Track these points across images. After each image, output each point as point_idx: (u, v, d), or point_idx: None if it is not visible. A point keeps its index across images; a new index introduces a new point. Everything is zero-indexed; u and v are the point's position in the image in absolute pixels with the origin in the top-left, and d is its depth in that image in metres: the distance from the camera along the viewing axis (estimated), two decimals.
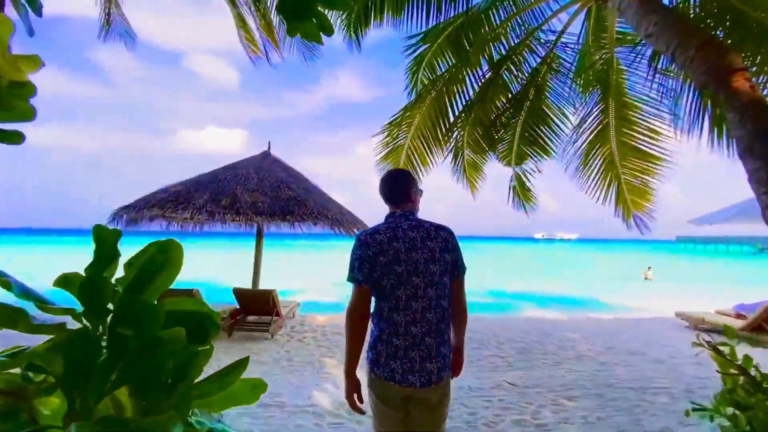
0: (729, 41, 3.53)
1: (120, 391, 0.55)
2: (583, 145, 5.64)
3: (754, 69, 3.52)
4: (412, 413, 1.67)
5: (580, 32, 5.04)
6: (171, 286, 0.63)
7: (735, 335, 1.47)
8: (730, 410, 1.37)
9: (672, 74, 4.36)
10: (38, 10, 0.60)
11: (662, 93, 4.58)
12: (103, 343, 0.55)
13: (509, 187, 7.08)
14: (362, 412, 1.71)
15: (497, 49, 5.42)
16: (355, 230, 6.44)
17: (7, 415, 0.52)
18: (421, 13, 4.87)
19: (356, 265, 1.70)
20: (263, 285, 7.18)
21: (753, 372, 1.36)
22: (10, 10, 0.57)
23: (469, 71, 5.50)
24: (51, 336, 0.54)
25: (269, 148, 7.56)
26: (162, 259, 0.60)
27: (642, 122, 5.10)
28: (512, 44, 5.32)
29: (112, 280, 0.58)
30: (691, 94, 4.15)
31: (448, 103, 5.77)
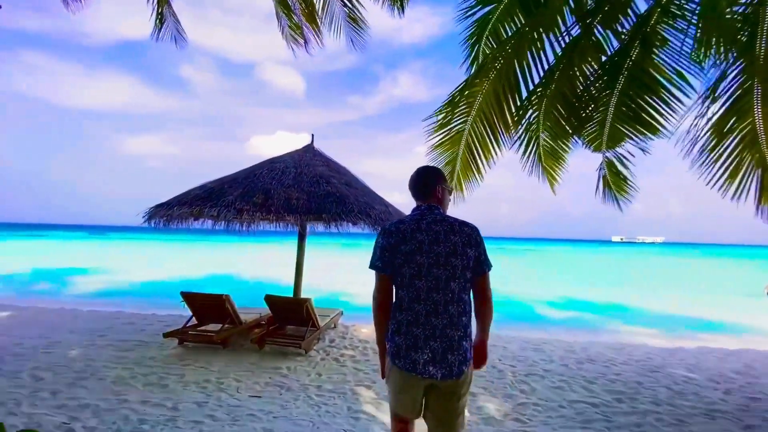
0: None
1: None
2: (711, 120, 4.14)
3: None
4: (431, 402, 1.73)
5: None
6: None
7: None
8: None
9: None
10: None
11: None
12: None
13: (598, 177, 5.72)
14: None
15: None
16: None
17: None
18: None
19: (378, 254, 1.78)
20: (306, 290, 6.58)
21: None
22: None
23: (547, 31, 4.31)
24: None
25: (312, 141, 6.95)
26: None
27: None
28: None
29: None
30: None
31: (519, 76, 4.62)
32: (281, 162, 6.02)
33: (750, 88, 3.91)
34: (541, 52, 4.37)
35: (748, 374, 4.62)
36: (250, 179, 5.43)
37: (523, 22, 4.35)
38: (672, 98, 4.29)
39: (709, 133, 4.19)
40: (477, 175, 5.42)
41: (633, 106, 4.64)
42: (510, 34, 4.60)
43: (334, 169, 6.23)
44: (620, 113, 4.77)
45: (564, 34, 4.22)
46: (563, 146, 5.44)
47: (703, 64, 4.03)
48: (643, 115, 4.48)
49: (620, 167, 5.58)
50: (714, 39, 3.75)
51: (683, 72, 4.13)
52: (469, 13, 4.79)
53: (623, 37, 4.18)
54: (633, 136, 4.83)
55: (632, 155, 5.22)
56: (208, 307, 5.23)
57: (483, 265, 1.79)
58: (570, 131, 5.14)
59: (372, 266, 1.80)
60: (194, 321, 5.45)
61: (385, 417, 3.16)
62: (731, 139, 4.20)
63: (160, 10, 4.69)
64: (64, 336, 5.45)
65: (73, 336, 5.47)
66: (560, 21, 4.20)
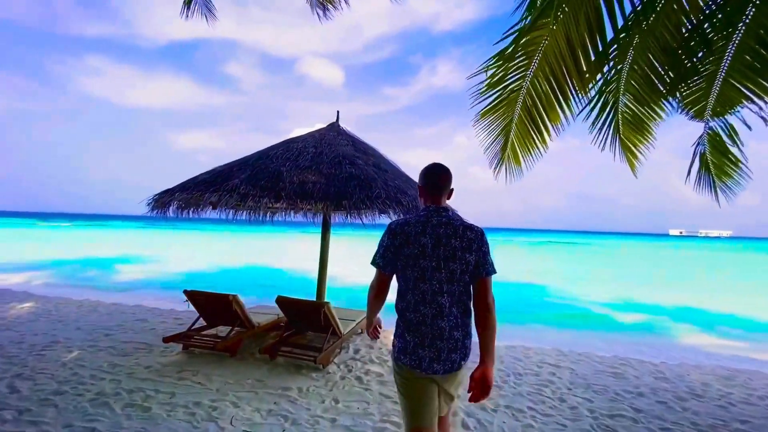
0: None
1: None
2: None
3: None
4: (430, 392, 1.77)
5: None
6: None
7: None
8: None
9: None
10: None
11: None
12: None
13: (694, 154, 4.49)
14: (377, 336, 2.00)
15: None
16: None
17: None
18: None
19: (381, 252, 1.84)
20: (330, 285, 5.78)
21: None
22: None
23: None
24: None
25: (338, 118, 6.07)
26: None
27: None
28: None
29: None
30: None
31: (593, 18, 3.43)
32: (299, 141, 5.19)
33: None
34: None
35: None
36: (262, 161, 4.64)
37: None
38: None
39: None
40: (539, 144, 4.30)
41: (764, 53, 3.30)
42: None
43: (361, 149, 5.31)
44: (741, 64, 3.46)
45: None
46: (650, 112, 4.18)
47: None
48: None
49: (728, 142, 4.25)
50: None
51: None
52: None
53: None
54: (756, 98, 3.51)
55: (748, 126, 3.90)
56: (215, 307, 4.54)
57: (480, 269, 1.78)
58: (663, 91, 3.85)
59: (373, 263, 1.86)
60: (203, 322, 4.82)
61: None
62: None
63: None
64: (69, 334, 5.01)
65: (78, 334, 5.02)
66: None
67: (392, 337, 1.92)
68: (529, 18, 3.37)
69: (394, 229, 1.81)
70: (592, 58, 3.51)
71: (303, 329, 4.68)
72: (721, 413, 3.36)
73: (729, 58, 3.46)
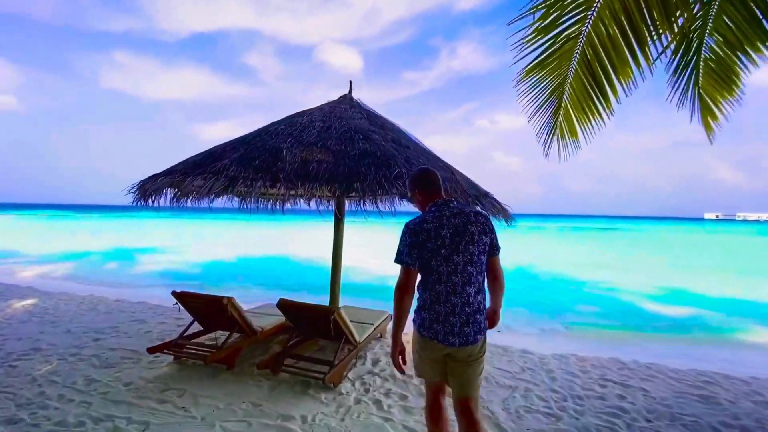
0: None
1: None
2: None
3: None
4: (452, 369, 1.98)
5: None
6: None
7: None
8: None
9: None
10: None
11: None
12: None
13: None
14: (404, 372, 2.04)
15: None
16: (497, 213, 3.75)
17: None
18: None
19: (406, 251, 1.95)
20: (345, 278, 5.06)
21: None
22: None
23: None
24: None
25: (350, 90, 5.24)
26: None
27: None
28: None
29: None
30: None
31: None
32: (305, 115, 4.40)
33: None
34: None
35: None
36: (259, 138, 3.89)
37: None
38: None
39: None
40: (602, 109, 3.38)
41: None
42: None
43: (378, 123, 4.48)
44: None
45: None
46: (744, 59, 3.20)
47: None
48: None
49: None
50: None
51: None
52: None
53: None
54: None
55: None
56: (209, 311, 3.89)
57: (495, 249, 2.04)
58: (764, 34, 2.88)
59: (400, 261, 1.97)
60: (199, 326, 4.20)
61: None
62: None
63: None
64: (55, 338, 4.50)
65: (65, 338, 4.50)
66: None
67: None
68: None
69: (414, 228, 1.96)
70: None
71: (312, 335, 3.98)
72: None
73: None
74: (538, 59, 3.39)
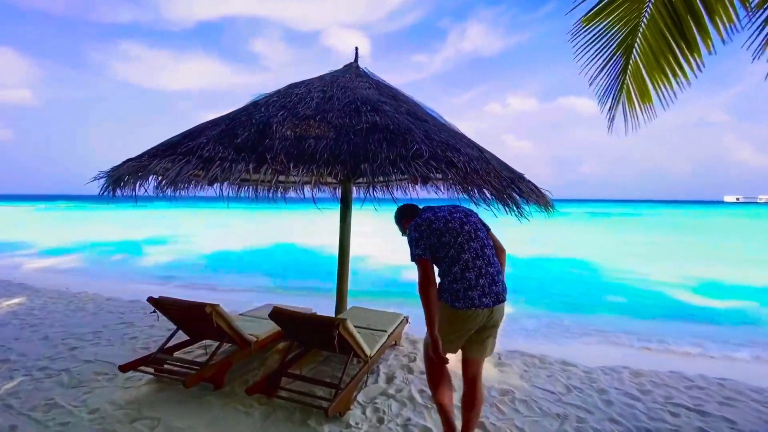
0: None
1: None
2: None
3: None
4: (474, 335, 2.14)
5: None
6: None
7: None
8: None
9: None
10: None
11: None
12: None
13: None
14: (447, 361, 2.07)
15: None
16: (536, 199, 3.06)
17: None
18: None
19: (420, 245, 2.11)
20: (354, 271, 4.44)
21: None
22: None
23: None
24: None
25: (356, 58, 4.51)
26: None
27: None
28: None
29: None
30: None
31: None
32: (302, 86, 3.70)
33: None
34: None
35: None
36: (246, 112, 3.22)
37: None
38: None
39: None
40: (686, 64, 2.62)
41: None
42: None
43: (389, 94, 3.75)
44: None
45: None
46: None
47: None
48: None
49: None
50: None
51: None
52: None
53: None
54: None
55: None
56: (192, 320, 3.31)
57: (487, 227, 2.30)
58: None
59: (415, 258, 2.11)
60: (186, 336, 3.63)
61: None
62: None
63: None
64: (29, 347, 3.98)
65: (39, 347, 3.99)
66: None
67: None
68: None
69: (423, 224, 2.16)
70: None
71: (314, 346, 3.37)
72: None
73: None
74: (601, 4, 2.64)
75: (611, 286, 9.33)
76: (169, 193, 3.10)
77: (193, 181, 3.47)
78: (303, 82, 3.79)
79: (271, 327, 3.80)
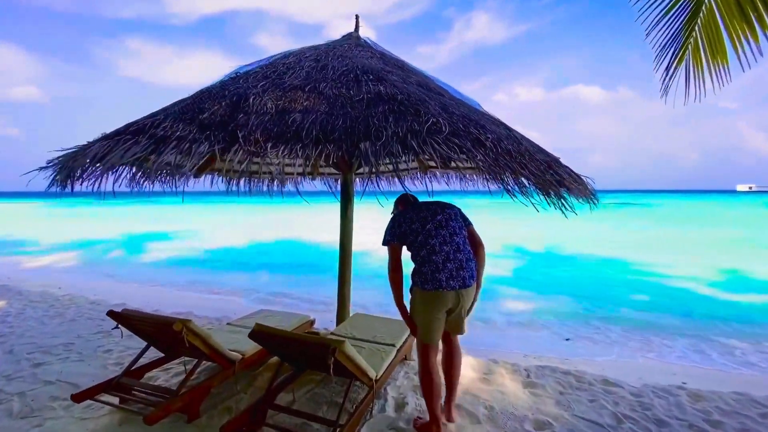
0: None
1: None
2: None
3: None
4: (448, 317, 2.31)
5: None
6: None
7: None
8: None
9: None
10: None
11: None
12: None
13: None
14: (416, 326, 2.32)
15: None
16: (577, 188, 2.46)
17: None
18: None
19: (393, 233, 2.33)
20: (359, 288, 3.90)
21: None
22: None
23: None
24: None
25: (357, 27, 3.89)
26: None
27: None
28: None
29: None
30: None
31: None
32: (291, 56, 3.10)
33: None
34: None
35: None
36: (221, 85, 2.63)
37: None
38: None
39: None
40: None
41: None
42: None
43: (395, 64, 3.15)
44: None
45: None
46: None
47: None
48: None
49: None
50: None
51: None
52: None
53: None
54: None
55: None
56: (162, 337, 2.77)
57: (467, 222, 2.43)
58: None
59: (384, 242, 2.36)
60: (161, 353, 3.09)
61: None
62: None
63: None
64: None
65: (1, 362, 3.50)
66: None
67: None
68: None
69: (401, 219, 2.32)
70: None
71: (307, 367, 2.82)
72: None
73: None
74: None
75: (640, 284, 8.68)
76: (133, 188, 2.52)
77: (163, 171, 2.91)
78: (293, 51, 3.19)
79: (256, 346, 3.26)
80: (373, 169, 1.77)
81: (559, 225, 21.80)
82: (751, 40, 2.16)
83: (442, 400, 2.49)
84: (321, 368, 2.54)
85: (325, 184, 4.75)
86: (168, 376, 3.23)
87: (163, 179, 2.59)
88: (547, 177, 2.14)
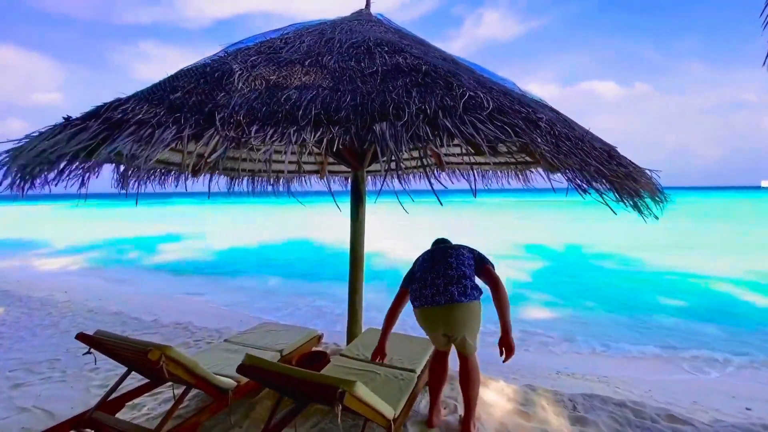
0: None
1: None
2: None
3: None
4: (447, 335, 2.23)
5: None
6: None
7: None
8: None
9: None
10: None
11: None
12: None
13: None
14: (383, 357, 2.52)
15: None
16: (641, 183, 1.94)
17: None
18: None
19: (406, 279, 2.43)
20: (372, 295, 3.43)
21: None
22: None
23: None
24: None
25: (368, 4, 3.41)
26: None
27: None
28: None
29: None
30: None
31: None
32: (294, 35, 2.65)
33: None
34: None
35: None
36: (204, 63, 2.19)
37: None
38: None
39: None
40: None
41: None
42: None
43: (414, 39, 2.66)
44: None
45: None
46: None
47: None
48: None
49: None
50: None
51: None
52: None
53: None
54: None
55: None
56: (141, 363, 2.35)
57: (482, 261, 2.28)
58: None
59: (400, 286, 2.44)
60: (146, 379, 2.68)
61: None
62: None
63: None
64: None
65: None
66: None
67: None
68: None
69: (416, 263, 2.42)
70: None
71: (309, 402, 2.36)
72: None
73: None
74: None
75: (675, 289, 7.98)
76: (119, 190, 2.08)
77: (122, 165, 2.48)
78: (295, 24, 2.74)
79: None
80: (393, 158, 1.28)
81: (577, 226, 20.94)
82: None
83: (444, 398, 2.66)
84: (327, 404, 2.08)
85: (336, 182, 4.30)
86: (155, 403, 2.82)
87: (148, 178, 2.17)
88: (620, 170, 1.63)
